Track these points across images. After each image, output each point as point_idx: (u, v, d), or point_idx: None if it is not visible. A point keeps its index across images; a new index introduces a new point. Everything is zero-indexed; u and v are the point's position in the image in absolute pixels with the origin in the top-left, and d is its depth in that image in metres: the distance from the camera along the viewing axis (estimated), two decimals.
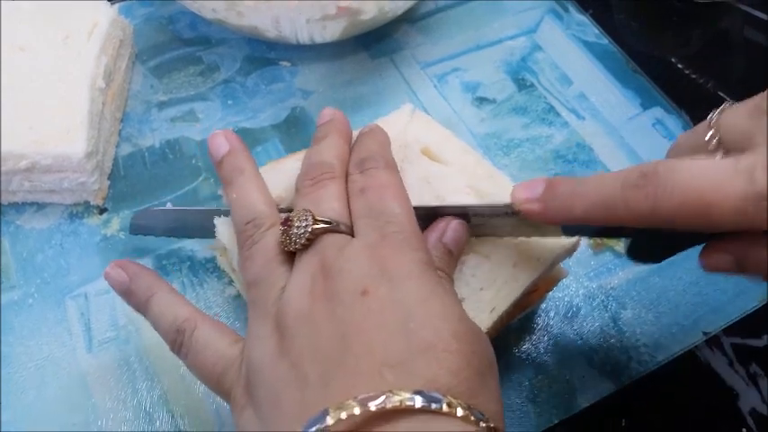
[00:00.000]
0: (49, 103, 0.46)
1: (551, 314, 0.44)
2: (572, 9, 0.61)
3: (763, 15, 0.62)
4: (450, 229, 0.36)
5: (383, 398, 0.26)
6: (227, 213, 0.39)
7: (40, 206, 0.48)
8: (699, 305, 0.45)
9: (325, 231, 0.33)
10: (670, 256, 0.36)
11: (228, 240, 0.39)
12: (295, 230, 0.33)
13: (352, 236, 0.34)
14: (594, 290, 0.45)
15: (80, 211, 0.48)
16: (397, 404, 0.26)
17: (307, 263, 0.32)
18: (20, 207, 0.48)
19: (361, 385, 0.27)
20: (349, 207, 0.35)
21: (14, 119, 0.45)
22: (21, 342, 0.42)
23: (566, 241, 0.38)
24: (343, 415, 0.26)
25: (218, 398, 0.40)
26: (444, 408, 0.26)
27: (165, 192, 0.49)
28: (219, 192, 0.41)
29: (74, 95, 0.46)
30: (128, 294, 0.36)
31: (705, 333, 0.44)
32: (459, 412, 0.26)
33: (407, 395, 0.26)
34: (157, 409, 0.40)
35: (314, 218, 0.33)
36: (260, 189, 0.37)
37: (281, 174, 0.40)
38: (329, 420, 0.26)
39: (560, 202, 0.33)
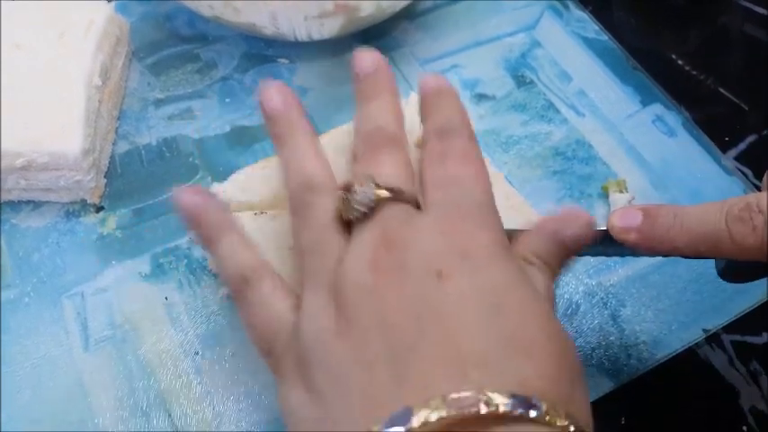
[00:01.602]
0: (44, 101, 0.46)
1: None
2: (571, 5, 0.60)
3: (764, 11, 0.62)
4: (577, 225, 0.32)
5: (476, 400, 0.23)
6: None
7: (36, 204, 0.48)
8: (699, 302, 0.44)
9: (388, 200, 0.30)
10: (765, 276, 0.36)
11: None
12: (355, 197, 0.30)
13: (418, 208, 0.31)
14: (594, 287, 0.45)
15: (77, 209, 0.48)
16: (494, 409, 0.23)
17: (368, 233, 0.29)
18: (16, 205, 0.48)
19: (442, 380, 0.24)
20: (418, 177, 0.32)
21: (10, 117, 0.44)
22: (17, 341, 0.42)
23: None
24: (433, 416, 0.23)
25: (216, 397, 0.40)
26: (543, 416, 0.23)
27: (162, 190, 0.49)
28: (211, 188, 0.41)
29: (70, 93, 0.46)
30: (196, 223, 0.33)
31: (705, 330, 0.44)
32: (559, 422, 0.24)
33: (504, 400, 0.23)
34: (154, 409, 0.40)
35: (376, 184, 0.30)
36: (316, 151, 0.34)
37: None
38: (414, 421, 0.23)
39: (661, 234, 0.32)
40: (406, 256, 0.28)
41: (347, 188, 0.30)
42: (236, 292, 0.32)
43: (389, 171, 0.32)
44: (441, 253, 0.28)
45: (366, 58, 0.36)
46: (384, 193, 0.30)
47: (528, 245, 0.32)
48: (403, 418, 0.23)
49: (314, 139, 0.35)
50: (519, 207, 0.42)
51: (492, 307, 0.26)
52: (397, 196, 0.30)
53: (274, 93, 0.35)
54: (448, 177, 0.31)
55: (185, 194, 0.33)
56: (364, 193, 0.30)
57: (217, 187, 0.41)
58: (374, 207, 0.30)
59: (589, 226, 0.32)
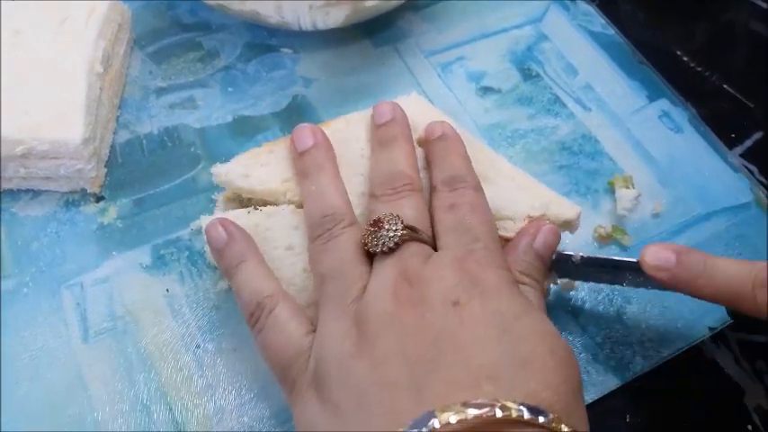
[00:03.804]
0: (45, 88, 0.45)
1: (556, 309, 0.44)
2: None
3: None
4: (541, 233, 0.36)
5: (491, 406, 0.26)
6: None
7: (35, 193, 0.47)
8: (704, 300, 0.44)
9: (411, 239, 0.33)
10: None
11: None
12: (385, 233, 0.33)
13: (434, 248, 0.34)
14: (599, 284, 0.45)
15: (76, 198, 0.47)
16: (507, 414, 0.26)
17: (390, 267, 0.32)
18: (15, 194, 0.47)
19: (458, 393, 0.27)
20: (431, 221, 0.36)
21: (10, 104, 0.44)
22: (15, 332, 0.42)
23: (561, 218, 0.39)
24: (453, 418, 0.25)
25: (218, 391, 0.39)
26: (551, 423, 0.26)
27: (163, 180, 0.48)
28: (214, 180, 0.40)
29: (71, 80, 0.45)
30: (220, 255, 0.37)
31: (711, 328, 0.43)
32: (564, 428, 0.26)
33: (515, 406, 0.26)
34: (155, 402, 0.40)
35: (403, 224, 0.33)
36: (338, 186, 0.37)
37: (282, 153, 0.41)
38: (436, 423, 0.25)
39: (689, 279, 0.35)
40: (425, 290, 0.31)
41: (377, 224, 0.34)
42: (251, 317, 0.34)
43: (410, 213, 0.35)
44: (456, 285, 0.31)
45: (385, 108, 0.40)
46: (408, 233, 0.33)
47: (515, 265, 0.35)
48: (425, 420, 0.25)
49: (338, 176, 0.38)
50: (526, 185, 0.42)
51: (501, 329, 0.30)
52: (417, 236, 0.34)
53: (308, 134, 0.39)
54: (459, 225, 0.34)
55: (212, 229, 0.37)
56: (393, 230, 0.33)
57: (218, 168, 0.40)
58: (400, 244, 0.33)
59: (551, 232, 0.37)
